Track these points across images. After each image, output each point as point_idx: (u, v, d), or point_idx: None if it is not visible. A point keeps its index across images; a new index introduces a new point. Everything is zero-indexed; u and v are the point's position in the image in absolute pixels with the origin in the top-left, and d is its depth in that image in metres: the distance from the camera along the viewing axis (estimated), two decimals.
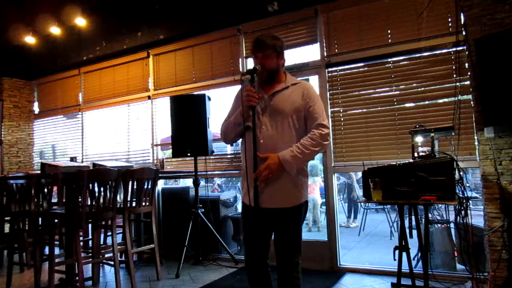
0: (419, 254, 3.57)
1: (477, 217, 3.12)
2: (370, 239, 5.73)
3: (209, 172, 4.57)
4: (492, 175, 2.93)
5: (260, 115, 2.03)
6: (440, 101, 3.47)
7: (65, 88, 6.10)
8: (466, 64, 3.20)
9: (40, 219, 3.54)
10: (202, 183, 4.48)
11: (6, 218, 4.09)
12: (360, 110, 3.77)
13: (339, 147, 3.84)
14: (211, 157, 4.55)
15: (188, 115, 4.10)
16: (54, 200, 3.90)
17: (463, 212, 2.68)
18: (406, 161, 2.66)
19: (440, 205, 4.33)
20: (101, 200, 3.19)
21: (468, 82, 3.21)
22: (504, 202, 2.87)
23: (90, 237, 3.93)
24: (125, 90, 5.37)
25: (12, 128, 6.20)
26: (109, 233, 3.80)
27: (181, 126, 4.13)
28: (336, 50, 3.91)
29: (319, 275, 3.64)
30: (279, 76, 2.11)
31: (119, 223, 3.57)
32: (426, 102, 3.50)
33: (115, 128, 5.50)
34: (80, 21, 5.17)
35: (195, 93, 4.52)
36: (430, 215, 4.08)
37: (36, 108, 6.55)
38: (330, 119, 3.83)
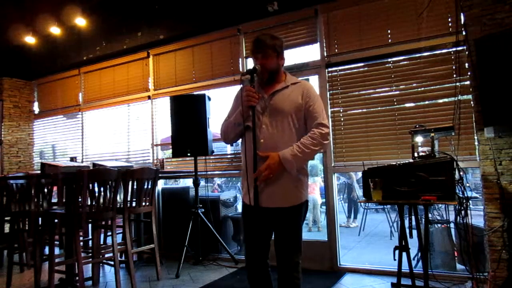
0: (419, 254, 3.57)
1: (477, 217, 3.12)
2: (370, 239, 5.73)
3: (209, 172, 4.57)
4: (492, 175, 2.93)
5: (260, 114, 2.03)
6: (440, 101, 3.47)
7: (65, 88, 6.10)
8: (466, 64, 3.20)
9: (40, 219, 3.54)
10: (202, 183, 4.48)
11: (6, 218, 4.09)
12: (360, 110, 3.77)
13: (339, 147, 3.84)
14: (211, 157, 4.55)
15: (188, 115, 4.10)
16: (54, 200, 3.90)
17: (463, 212, 2.68)
18: (406, 161, 2.66)
19: (440, 205, 4.33)
20: (101, 200, 3.19)
21: (468, 82, 3.21)
22: (504, 202, 2.87)
23: (90, 237, 3.93)
24: (125, 90, 5.37)
25: (12, 128, 6.20)
26: (109, 233, 3.80)
27: (181, 126, 4.13)
28: (336, 50, 3.91)
29: (319, 275, 3.64)
30: (279, 76, 2.11)
31: (119, 223, 3.57)
32: (426, 102, 3.50)
33: (115, 128, 5.50)
34: (80, 21, 5.17)
35: (195, 93, 4.52)
36: (430, 215, 4.08)
37: (36, 108, 6.55)
38: (330, 119, 3.83)
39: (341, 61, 3.86)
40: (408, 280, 2.85)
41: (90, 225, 3.77)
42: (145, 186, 3.62)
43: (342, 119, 3.85)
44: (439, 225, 3.87)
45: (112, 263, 3.34)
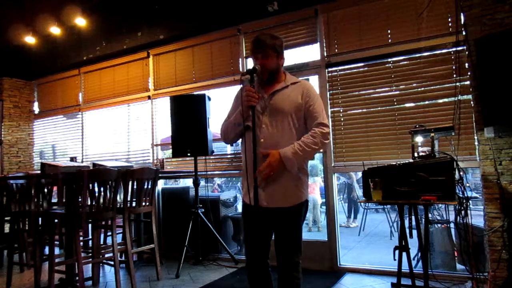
0: (419, 254, 3.57)
1: (477, 217, 3.12)
2: (370, 239, 5.73)
3: (209, 172, 4.57)
4: (492, 175, 2.93)
5: (260, 114, 2.03)
6: (440, 101, 3.47)
7: (65, 88, 6.10)
8: (466, 64, 3.20)
9: (40, 219, 3.54)
10: (202, 183, 4.48)
11: (6, 218, 4.09)
12: (360, 110, 3.77)
13: (339, 147, 3.84)
14: (211, 157, 4.55)
15: (188, 115, 4.10)
16: (54, 200, 3.90)
17: (463, 212, 2.68)
18: (406, 161, 2.66)
19: (440, 205, 4.33)
20: (101, 200, 3.19)
21: (468, 82, 3.21)
22: (504, 202, 2.87)
23: (90, 237, 3.93)
24: (125, 90, 5.37)
25: (12, 128, 6.20)
26: (109, 233, 3.80)
27: (181, 126, 4.13)
28: (336, 50, 3.91)
29: (319, 275, 3.64)
30: (279, 76, 2.11)
31: (119, 223, 3.57)
32: (426, 102, 3.50)
33: (115, 128, 5.50)
34: (80, 21, 5.17)
35: (195, 93, 4.52)
36: (430, 215, 4.08)
37: (36, 108, 6.55)
38: (330, 119, 3.82)
39: (341, 61, 3.86)
40: (408, 280, 2.85)
41: (90, 225, 3.77)
42: (145, 186, 3.62)
43: (342, 119, 3.85)
44: (439, 225, 3.87)
45: (112, 263, 3.34)
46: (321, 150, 3.86)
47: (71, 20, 5.15)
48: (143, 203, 3.62)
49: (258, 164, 1.92)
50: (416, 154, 2.79)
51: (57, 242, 4.18)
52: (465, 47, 3.16)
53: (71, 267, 3.35)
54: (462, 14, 3.18)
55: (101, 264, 3.86)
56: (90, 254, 3.66)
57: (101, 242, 3.77)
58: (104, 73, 5.62)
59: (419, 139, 2.90)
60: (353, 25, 3.81)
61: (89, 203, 3.18)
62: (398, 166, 2.58)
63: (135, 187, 3.55)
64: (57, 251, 4.06)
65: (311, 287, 3.30)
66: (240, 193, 6.02)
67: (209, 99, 4.26)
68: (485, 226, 2.97)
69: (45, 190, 3.83)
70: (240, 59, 4.47)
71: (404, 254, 2.73)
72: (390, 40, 3.63)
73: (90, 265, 3.66)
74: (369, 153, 3.67)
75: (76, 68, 5.87)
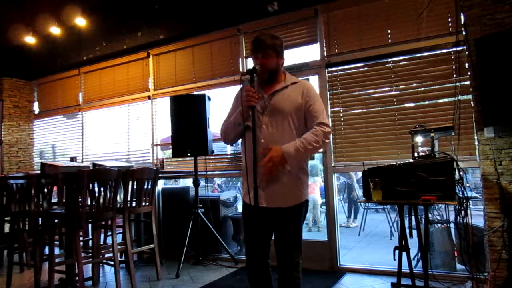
0: (419, 254, 3.57)
1: (477, 217, 3.12)
2: (370, 239, 5.73)
3: (209, 172, 4.57)
4: (492, 175, 2.93)
5: (260, 114, 2.03)
6: (440, 101, 3.47)
7: (65, 88, 6.10)
8: (466, 64, 3.20)
9: (40, 219, 3.54)
10: (202, 183, 4.48)
11: (6, 218, 4.09)
12: (360, 110, 3.77)
13: (339, 147, 3.84)
14: (211, 157, 4.55)
15: (188, 115, 4.10)
16: (54, 200, 3.90)
17: (463, 212, 2.68)
18: (406, 161, 2.66)
19: (440, 205, 4.33)
20: (101, 200, 3.19)
21: (468, 82, 3.21)
22: (504, 202, 2.87)
23: (90, 237, 3.93)
24: (125, 90, 5.37)
25: (12, 128, 6.20)
26: (109, 233, 3.80)
27: (181, 126, 4.13)
28: (336, 50, 3.91)
29: (319, 275, 3.64)
30: (278, 76, 2.10)
31: (119, 223, 3.57)
32: (426, 102, 3.50)
33: (115, 128, 5.50)
34: (80, 21, 5.17)
35: (195, 93, 4.52)
36: (430, 215, 4.08)
37: (36, 108, 6.55)
38: (330, 119, 3.82)
39: (341, 61, 3.86)
40: (408, 280, 2.85)
41: (90, 225, 3.77)
42: (145, 186, 3.62)
43: (342, 119, 3.85)
44: (439, 225, 3.87)
45: (112, 263, 3.34)
46: (321, 150, 3.87)
47: (71, 20, 5.15)
48: (143, 203, 3.62)
49: (258, 164, 1.92)
50: (416, 154, 2.79)
51: (57, 242, 4.18)
52: (465, 47, 3.16)
53: (71, 267, 3.35)
54: (462, 14, 3.18)
55: (101, 264, 3.86)
56: (90, 254, 3.66)
57: (101, 242, 3.77)
58: (104, 73, 5.62)
59: (419, 139, 2.90)
60: (353, 25, 3.81)
61: (89, 203, 3.18)
62: (398, 166, 2.58)
63: (135, 187, 3.55)
64: (57, 251, 4.06)
65: (311, 287, 3.30)
66: (240, 193, 6.02)
67: (209, 99, 4.26)
68: (485, 226, 2.97)
69: (45, 190, 3.83)
70: (240, 59, 4.48)
71: (404, 254, 2.73)
72: (390, 40, 3.63)
73: (90, 265, 3.66)
74: (369, 153, 3.67)
75: (76, 68, 5.87)
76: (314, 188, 6.63)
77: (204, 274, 3.82)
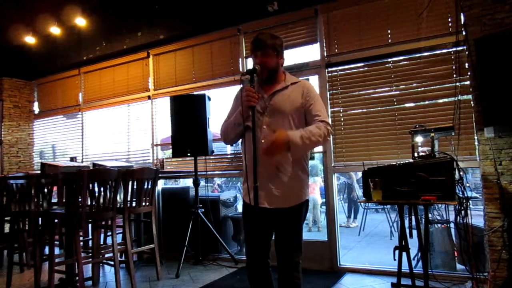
0: (419, 254, 3.57)
1: (477, 217, 3.12)
2: (370, 239, 5.73)
3: (209, 172, 4.57)
4: (492, 175, 2.93)
5: (260, 115, 2.03)
6: (440, 101, 3.47)
7: (65, 88, 6.10)
8: (466, 64, 3.20)
9: (40, 219, 3.54)
10: (202, 183, 4.48)
11: (6, 218, 4.09)
12: (360, 110, 3.77)
13: (339, 147, 3.84)
14: (211, 157, 4.55)
15: (188, 115, 4.10)
16: (54, 200, 3.90)
17: (463, 212, 2.68)
18: (406, 161, 2.66)
19: (440, 205, 4.33)
20: (101, 200, 3.19)
21: (468, 82, 3.21)
22: (504, 202, 2.87)
23: (90, 237, 3.93)
24: (125, 90, 5.37)
25: (12, 128, 6.20)
26: (109, 233, 3.80)
27: (181, 126, 4.13)
28: (336, 50, 3.91)
29: (319, 275, 3.64)
30: (278, 76, 2.10)
31: (119, 223, 3.57)
32: (426, 102, 3.50)
33: (115, 128, 5.50)
34: (80, 21, 5.16)
35: (195, 93, 4.52)
36: (430, 215, 4.08)
37: (36, 108, 6.56)
38: (330, 119, 3.82)
39: (341, 61, 3.86)
40: (408, 280, 2.85)
41: (90, 225, 3.77)
42: (145, 186, 3.62)
43: (342, 119, 3.85)
44: (439, 225, 3.87)
45: (112, 263, 3.34)
46: (321, 150, 3.87)
47: (71, 20, 5.14)
48: (143, 203, 3.62)
49: (258, 164, 1.91)
50: (416, 154, 2.79)
51: (57, 242, 4.18)
52: (465, 47, 3.16)
53: (71, 267, 3.35)
54: (462, 14, 3.18)
55: (101, 264, 3.86)
56: (90, 254, 3.66)
57: (101, 242, 3.77)
58: (104, 73, 5.62)
59: (419, 139, 2.90)
60: (353, 25, 3.81)
61: (89, 203, 3.18)
62: (398, 166, 2.58)
63: (135, 187, 3.55)
64: (57, 251, 4.06)
65: (311, 287, 3.30)
66: (240, 193, 6.02)
67: (209, 99, 4.26)
68: (485, 226, 2.97)
69: (45, 190, 3.84)
70: (240, 59, 4.48)
71: (404, 254, 2.73)
72: (390, 40, 3.63)
73: (90, 265, 3.66)
74: (369, 153, 3.67)
75: (76, 68, 5.87)
76: (314, 188, 6.63)
77: (204, 274, 3.82)
